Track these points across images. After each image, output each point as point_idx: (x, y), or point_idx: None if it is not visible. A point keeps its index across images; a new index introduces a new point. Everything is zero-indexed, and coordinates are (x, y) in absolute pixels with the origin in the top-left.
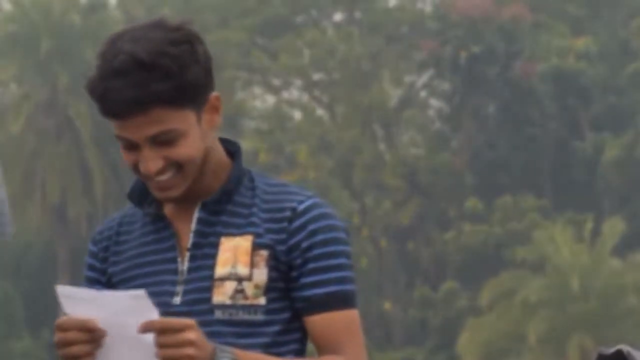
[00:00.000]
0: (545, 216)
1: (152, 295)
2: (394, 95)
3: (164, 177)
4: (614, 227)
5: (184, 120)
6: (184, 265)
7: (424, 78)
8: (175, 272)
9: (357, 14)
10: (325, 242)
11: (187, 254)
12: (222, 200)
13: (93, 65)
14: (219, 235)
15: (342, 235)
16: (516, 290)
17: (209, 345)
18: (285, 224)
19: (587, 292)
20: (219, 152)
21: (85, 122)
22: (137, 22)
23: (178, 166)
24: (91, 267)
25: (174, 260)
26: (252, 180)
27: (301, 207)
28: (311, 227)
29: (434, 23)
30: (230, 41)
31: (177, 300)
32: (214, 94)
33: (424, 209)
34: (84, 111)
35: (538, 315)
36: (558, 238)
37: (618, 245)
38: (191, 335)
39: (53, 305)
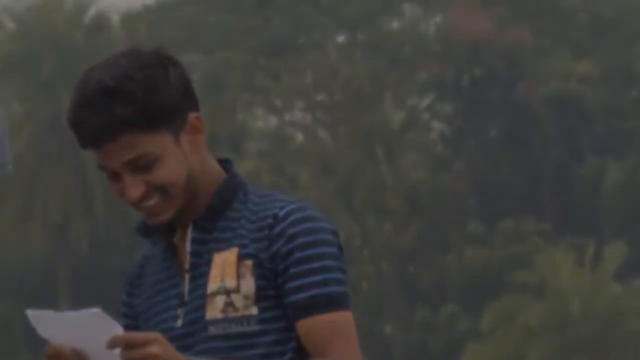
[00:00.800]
0: (547, 240)
1: (162, 321)
2: (396, 117)
3: (150, 203)
4: (616, 252)
5: (159, 143)
6: (185, 287)
7: (426, 100)
8: (179, 295)
9: (360, 36)
10: (304, 246)
11: (187, 276)
12: (210, 217)
13: None
14: (212, 252)
15: (324, 237)
16: (517, 314)
17: (178, 357)
18: (267, 232)
19: (588, 317)
20: (213, 170)
21: None
22: (140, 41)
23: (162, 190)
24: (123, 303)
25: (178, 285)
26: (246, 193)
27: (282, 213)
28: (290, 231)
29: (437, 46)
30: (232, 62)
31: (179, 323)
32: (194, 114)
33: (425, 232)
34: None
35: (539, 339)
36: (559, 262)
37: (619, 269)
38: (154, 349)
39: None
